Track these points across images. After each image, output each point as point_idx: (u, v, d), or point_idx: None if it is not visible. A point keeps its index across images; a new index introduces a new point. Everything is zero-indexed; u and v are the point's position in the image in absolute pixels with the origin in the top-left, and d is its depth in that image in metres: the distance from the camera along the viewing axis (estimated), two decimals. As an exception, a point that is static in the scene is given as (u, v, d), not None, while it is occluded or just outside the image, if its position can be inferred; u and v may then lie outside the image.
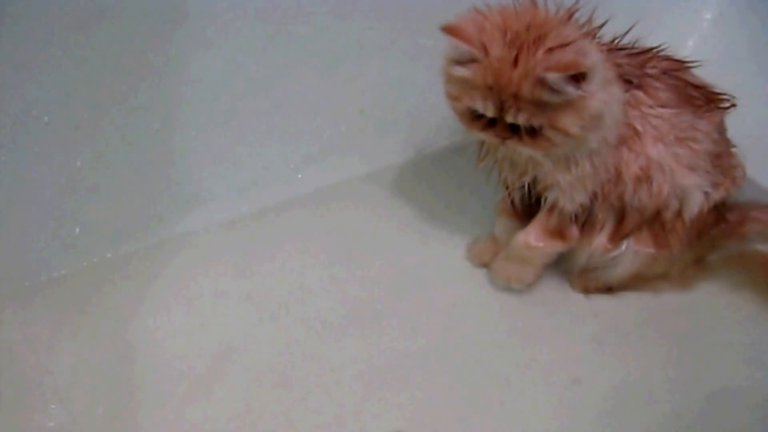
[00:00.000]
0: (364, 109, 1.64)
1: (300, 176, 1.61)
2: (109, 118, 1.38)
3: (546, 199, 1.22)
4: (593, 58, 1.00)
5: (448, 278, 1.43)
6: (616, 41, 1.18)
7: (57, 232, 1.41)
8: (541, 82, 0.98)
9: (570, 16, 1.07)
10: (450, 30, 1.03)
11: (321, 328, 1.33)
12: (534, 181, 1.20)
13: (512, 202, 1.33)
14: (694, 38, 1.84)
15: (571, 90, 0.98)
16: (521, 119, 1.02)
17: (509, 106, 1.01)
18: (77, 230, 1.42)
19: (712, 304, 1.37)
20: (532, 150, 1.08)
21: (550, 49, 0.99)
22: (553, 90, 0.98)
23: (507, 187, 1.28)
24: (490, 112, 1.05)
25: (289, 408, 1.20)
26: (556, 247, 1.29)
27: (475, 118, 1.09)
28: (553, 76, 0.96)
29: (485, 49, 1.01)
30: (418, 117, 1.68)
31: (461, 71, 1.05)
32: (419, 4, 1.56)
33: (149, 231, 1.48)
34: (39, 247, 1.39)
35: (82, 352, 1.27)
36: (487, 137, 1.10)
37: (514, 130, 1.05)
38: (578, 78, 0.98)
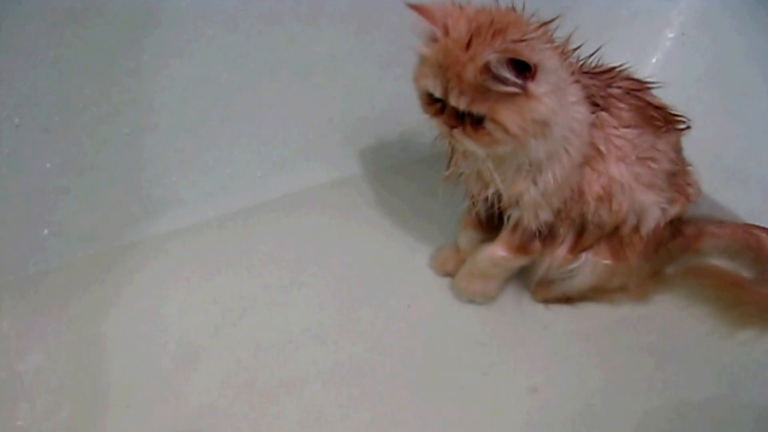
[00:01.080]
0: (332, 118, 1.66)
1: (268, 182, 1.63)
2: (80, 122, 1.39)
3: (510, 216, 1.24)
4: (546, 60, 1.01)
5: (411, 286, 1.45)
6: (582, 62, 1.20)
7: (26, 232, 1.41)
8: (486, 67, 0.98)
9: (540, 26, 1.07)
10: (417, 8, 1.05)
11: (285, 333, 1.34)
12: (498, 196, 1.21)
13: (477, 215, 1.34)
14: (657, 56, 1.87)
15: (512, 78, 0.98)
16: (462, 103, 1.03)
17: (453, 86, 1.02)
18: (46, 231, 1.43)
19: (668, 316, 1.39)
20: (474, 144, 1.08)
21: (505, 41, 0.99)
22: (495, 77, 0.98)
23: (472, 200, 1.29)
24: (437, 92, 1.06)
25: (254, 410, 1.21)
26: (520, 261, 1.31)
27: (430, 102, 1.10)
28: (495, 58, 0.96)
29: (446, 30, 1.03)
30: (386, 127, 1.69)
31: (422, 49, 1.07)
32: (390, 15, 1.57)
33: (118, 234, 1.49)
34: (7, 248, 1.39)
35: (50, 352, 1.28)
36: (438, 124, 1.11)
37: (461, 119, 1.06)
38: (525, 73, 0.98)
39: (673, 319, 1.39)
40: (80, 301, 1.37)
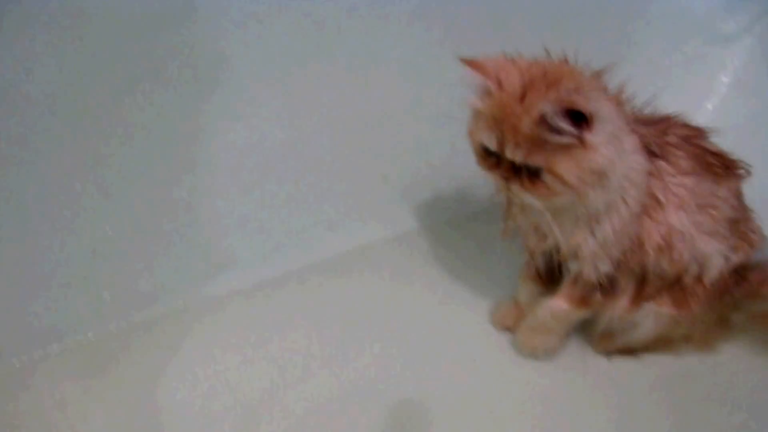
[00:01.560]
0: (387, 175, 1.67)
1: (323, 241, 1.64)
2: (140, 186, 1.42)
3: (569, 269, 1.23)
4: (601, 109, 1.00)
5: (470, 342, 1.43)
6: (637, 111, 1.19)
7: (87, 296, 1.43)
8: (541, 118, 0.97)
9: (594, 76, 1.07)
10: (470, 63, 1.05)
11: (344, 394, 1.33)
12: (556, 249, 1.21)
13: (536, 268, 1.34)
14: (714, 101, 1.85)
15: (568, 129, 0.97)
16: (519, 155, 1.02)
17: (508, 139, 1.02)
18: (106, 294, 1.45)
19: (736, 365, 1.36)
20: (531, 196, 1.06)
21: (559, 92, 0.99)
22: (551, 128, 0.98)
23: (530, 253, 1.28)
24: (492, 146, 1.05)
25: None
26: (581, 314, 1.29)
27: (485, 155, 1.09)
28: (551, 109, 0.96)
29: (500, 84, 1.03)
30: (440, 182, 1.69)
31: (476, 103, 1.06)
32: (443, 69, 1.58)
33: (177, 296, 1.51)
34: (69, 311, 1.42)
35: (112, 414, 1.29)
36: (494, 177, 1.10)
37: (517, 172, 1.06)
38: (581, 123, 0.98)
39: (740, 367, 1.36)
40: (140, 363, 1.38)
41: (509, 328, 1.43)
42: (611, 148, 1.02)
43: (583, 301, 1.26)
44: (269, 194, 1.57)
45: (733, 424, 1.28)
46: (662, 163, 1.15)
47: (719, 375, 1.36)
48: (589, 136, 0.99)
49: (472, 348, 1.43)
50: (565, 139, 0.99)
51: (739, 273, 1.30)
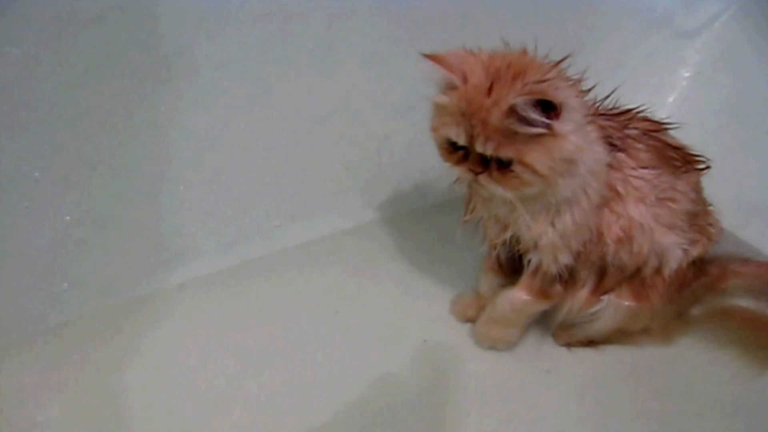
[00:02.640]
0: (349, 166, 1.66)
1: (286, 231, 1.63)
2: (99, 174, 1.40)
3: (530, 261, 1.23)
4: (569, 98, 1.01)
5: (431, 333, 1.43)
6: (598, 104, 1.20)
7: (45, 285, 1.42)
8: (511, 110, 0.98)
9: (556, 65, 1.07)
10: (433, 57, 1.05)
11: (306, 381, 1.33)
12: (516, 240, 1.21)
13: (497, 259, 1.34)
14: (674, 95, 1.87)
15: (539, 119, 0.98)
16: (489, 148, 1.02)
17: (478, 133, 1.02)
18: (65, 284, 1.43)
19: (693, 358, 1.37)
20: (502, 188, 1.07)
21: (526, 83, 0.99)
22: (521, 119, 0.98)
23: (491, 244, 1.28)
24: (461, 140, 1.05)
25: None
26: (541, 306, 1.30)
27: (451, 150, 1.09)
28: (521, 100, 0.96)
29: (464, 77, 1.03)
30: (403, 173, 1.69)
31: (441, 98, 1.06)
32: (406, 62, 1.58)
33: (137, 284, 1.50)
34: (28, 300, 1.40)
35: (70, 404, 1.27)
36: (462, 172, 1.10)
37: (486, 164, 1.06)
38: (549, 113, 0.98)
39: (697, 360, 1.37)
40: (99, 352, 1.37)
41: (470, 319, 1.44)
42: (579, 136, 1.03)
43: (543, 292, 1.27)
44: (232, 184, 1.56)
45: (689, 414, 1.29)
46: (622, 156, 1.16)
47: (677, 367, 1.37)
48: (559, 125, 1.00)
49: (432, 339, 1.43)
50: (535, 130, 0.99)
51: (698, 266, 1.31)
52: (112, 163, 1.40)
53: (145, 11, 1.33)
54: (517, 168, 1.03)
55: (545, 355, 1.40)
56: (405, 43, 1.56)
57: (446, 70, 1.04)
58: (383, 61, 1.58)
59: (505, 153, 1.02)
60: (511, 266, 1.33)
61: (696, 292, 1.36)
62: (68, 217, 1.40)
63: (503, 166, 1.04)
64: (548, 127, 0.99)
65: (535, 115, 0.98)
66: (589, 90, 1.16)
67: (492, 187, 1.08)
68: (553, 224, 1.14)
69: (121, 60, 1.34)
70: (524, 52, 1.09)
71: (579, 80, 1.13)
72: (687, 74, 1.89)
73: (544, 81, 1.00)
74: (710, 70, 1.85)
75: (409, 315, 1.48)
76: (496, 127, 1.00)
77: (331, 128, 1.61)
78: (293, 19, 1.47)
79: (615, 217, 1.18)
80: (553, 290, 1.26)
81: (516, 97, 0.97)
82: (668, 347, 1.40)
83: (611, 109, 1.21)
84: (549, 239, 1.15)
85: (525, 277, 1.27)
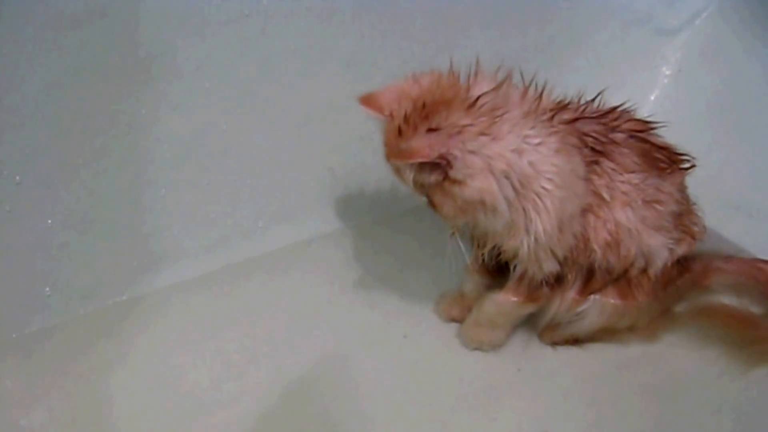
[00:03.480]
0: (332, 167, 1.66)
1: (269, 233, 1.63)
2: (80, 178, 1.39)
3: (515, 267, 1.23)
4: (460, 146, 1.02)
5: (415, 333, 1.44)
6: (583, 107, 1.19)
7: (28, 289, 1.41)
8: (407, 164, 1.04)
9: (475, 101, 1.05)
10: (364, 100, 1.12)
11: (290, 384, 1.32)
12: (498, 251, 1.21)
13: (483, 261, 1.34)
14: (656, 93, 1.88)
15: (427, 175, 1.04)
16: (408, 186, 1.09)
17: (395, 171, 1.10)
18: (48, 288, 1.42)
19: (678, 355, 1.38)
20: (440, 216, 1.12)
21: (429, 130, 1.02)
22: (418, 169, 1.04)
23: (478, 253, 1.29)
24: (392, 173, 1.11)
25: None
26: (528, 308, 1.30)
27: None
28: (400, 164, 1.03)
29: (391, 116, 1.08)
30: (385, 176, 1.68)
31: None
32: (388, 62, 1.58)
33: (120, 289, 1.49)
34: (10, 305, 1.39)
35: (55, 408, 1.26)
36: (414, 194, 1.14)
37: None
38: (440, 165, 1.02)
39: (682, 358, 1.38)
40: (84, 357, 1.36)
41: (455, 319, 1.44)
42: (483, 177, 1.03)
43: (529, 296, 1.27)
44: (214, 186, 1.55)
45: (674, 411, 1.29)
46: (607, 162, 1.16)
47: (662, 364, 1.38)
48: (452, 173, 1.02)
49: (418, 339, 1.43)
50: (432, 178, 1.04)
51: (682, 264, 1.32)
52: (93, 166, 1.39)
53: (126, 14, 1.32)
54: (433, 205, 1.09)
55: (531, 354, 1.40)
56: (387, 43, 1.57)
57: (374, 111, 1.10)
58: (365, 61, 1.58)
59: (420, 192, 1.09)
60: (497, 268, 1.33)
61: (680, 289, 1.36)
62: (50, 221, 1.38)
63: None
64: (443, 175, 1.03)
65: (422, 173, 1.03)
66: (561, 102, 1.16)
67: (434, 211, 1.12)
68: (526, 236, 1.13)
69: (101, 62, 1.33)
70: (456, 78, 1.11)
71: (536, 95, 1.13)
72: (668, 72, 1.89)
73: (437, 129, 1.03)
74: (692, 68, 1.86)
75: (392, 316, 1.47)
76: (400, 171, 1.07)
77: (313, 130, 1.60)
78: (274, 19, 1.46)
79: (601, 222, 1.18)
80: (540, 293, 1.26)
81: (396, 162, 1.04)
82: (653, 345, 1.40)
83: (597, 111, 1.21)
84: (526, 250, 1.15)
85: (512, 282, 1.27)
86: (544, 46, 1.70)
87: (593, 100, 1.21)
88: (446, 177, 1.03)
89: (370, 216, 1.73)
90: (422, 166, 1.03)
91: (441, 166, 1.01)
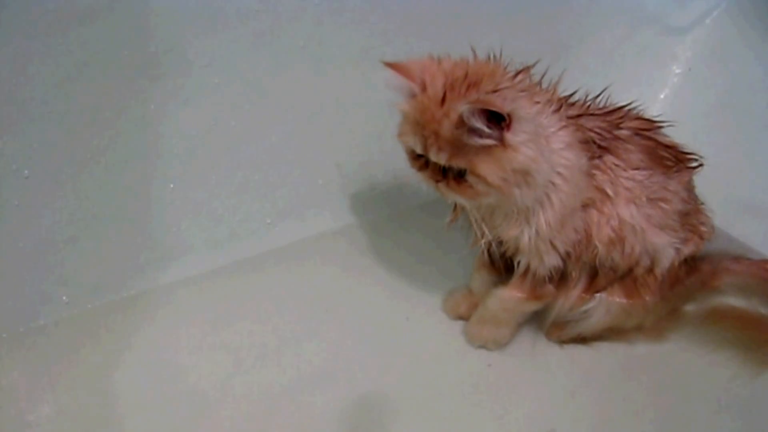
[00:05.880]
0: (340, 163, 1.66)
1: (277, 229, 1.63)
2: (89, 172, 1.39)
3: (519, 262, 1.23)
4: (520, 109, 1.00)
5: (422, 330, 1.44)
6: (588, 104, 1.20)
7: (36, 283, 1.41)
8: (460, 121, 0.98)
9: (518, 74, 1.07)
10: (394, 66, 1.06)
11: (297, 379, 1.33)
12: (499, 242, 1.21)
13: (490, 257, 1.33)
14: (666, 92, 1.87)
15: (487, 130, 0.98)
16: (442, 158, 1.03)
17: (431, 143, 1.02)
18: (56, 282, 1.43)
19: (685, 356, 1.37)
20: (459, 197, 1.08)
21: (478, 93, 0.99)
22: (471, 130, 0.98)
23: (479, 244, 1.28)
24: (418, 149, 1.06)
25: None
26: (532, 306, 1.30)
27: (415, 157, 1.11)
28: (467, 110, 0.96)
29: (423, 86, 1.04)
30: (394, 172, 1.69)
31: (402, 106, 1.07)
32: (396, 60, 1.58)
33: (128, 283, 1.49)
34: (18, 299, 1.39)
35: (61, 402, 1.27)
36: (424, 179, 1.11)
37: (444, 173, 1.07)
38: (501, 125, 0.98)
39: (690, 358, 1.37)
40: (91, 351, 1.36)
41: (462, 317, 1.44)
42: (533, 146, 1.02)
43: (533, 292, 1.27)
44: (222, 182, 1.55)
45: (681, 411, 1.29)
46: (611, 157, 1.16)
47: (670, 364, 1.37)
48: (509, 136, 1.00)
49: (425, 336, 1.43)
50: (485, 141, 1.00)
51: (690, 264, 1.31)
52: (102, 161, 1.39)
53: (136, 9, 1.32)
54: (470, 178, 1.04)
55: (538, 352, 1.40)
56: (397, 40, 1.56)
57: (406, 78, 1.05)
58: (374, 58, 1.56)
59: (458, 163, 1.03)
60: (504, 264, 1.32)
61: (689, 290, 1.36)
62: (58, 216, 1.39)
63: (459, 175, 1.05)
64: (499, 138, 0.99)
65: (483, 126, 0.98)
66: (571, 94, 1.17)
67: (450, 195, 1.09)
68: (527, 227, 1.13)
69: (111, 58, 1.33)
70: (489, 59, 1.10)
71: (552, 87, 1.14)
72: (678, 71, 1.89)
73: (497, 91, 1.00)
74: (702, 67, 1.86)
75: (400, 312, 1.47)
76: (447, 137, 1.01)
77: (321, 126, 1.60)
78: (283, 16, 1.46)
79: (605, 218, 1.17)
80: (545, 290, 1.26)
81: (463, 106, 0.96)
82: (661, 345, 1.39)
83: (602, 108, 1.20)
84: (526, 241, 1.15)
85: (516, 278, 1.27)
86: (555, 43, 1.70)
87: (598, 96, 1.21)
88: (501, 141, 1.00)
89: (379, 212, 1.72)
90: (475, 130, 0.98)
91: (501, 126, 0.98)
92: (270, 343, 1.40)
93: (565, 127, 1.10)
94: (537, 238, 1.14)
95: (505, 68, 1.08)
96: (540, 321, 1.40)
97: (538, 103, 1.07)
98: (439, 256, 1.57)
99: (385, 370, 1.35)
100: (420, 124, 1.03)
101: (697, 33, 1.88)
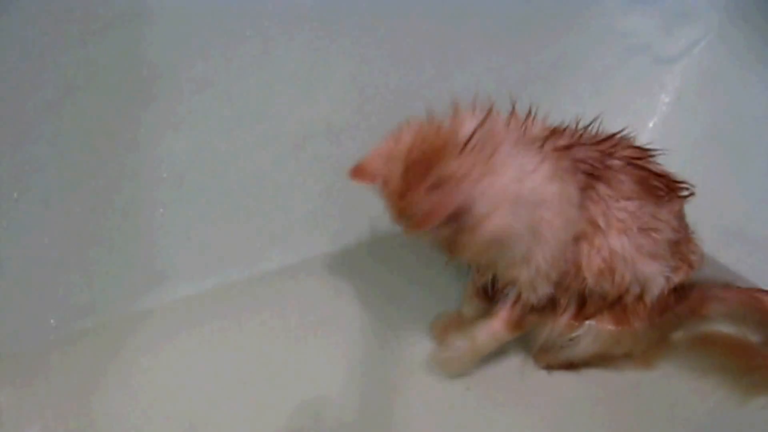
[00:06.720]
0: (330, 188, 1.66)
1: (267, 253, 1.63)
2: (78, 195, 1.39)
3: (509, 293, 1.23)
4: (469, 194, 1.02)
5: (411, 356, 1.43)
6: (579, 133, 1.19)
7: (24, 306, 1.40)
8: None
9: (465, 144, 1.06)
10: (354, 174, 1.15)
11: (286, 405, 1.32)
12: (494, 280, 1.22)
13: (481, 285, 1.33)
14: (654, 120, 1.89)
15: (438, 232, 1.05)
16: (423, 236, 1.09)
17: (410, 227, 1.07)
18: (44, 304, 1.42)
19: (673, 383, 1.37)
20: (456, 258, 1.14)
21: (430, 187, 1.03)
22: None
23: (476, 280, 1.29)
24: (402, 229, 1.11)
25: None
26: (516, 335, 1.30)
27: None
28: (415, 234, 1.04)
29: (386, 182, 1.10)
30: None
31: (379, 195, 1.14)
32: (389, 88, 1.59)
33: (117, 306, 1.48)
34: (5, 321, 1.38)
35: (49, 425, 1.26)
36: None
37: None
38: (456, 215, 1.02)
39: (678, 386, 1.37)
40: (79, 374, 1.35)
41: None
42: (500, 214, 1.04)
43: (520, 322, 1.27)
44: (212, 206, 1.55)
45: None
46: (603, 187, 1.16)
47: (658, 392, 1.37)
48: (467, 221, 1.04)
49: (413, 361, 1.42)
50: (448, 231, 1.05)
51: (679, 291, 1.31)
52: (91, 184, 1.39)
53: (128, 32, 1.33)
54: (453, 249, 1.10)
55: (525, 379, 1.40)
56: (388, 66, 1.57)
57: (366, 181, 1.13)
58: (366, 84, 1.59)
59: (439, 245, 1.11)
60: (494, 292, 1.32)
61: (678, 317, 1.35)
62: (47, 238, 1.38)
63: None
64: (456, 224, 1.04)
65: (437, 230, 1.04)
66: (555, 129, 1.17)
67: (447, 255, 1.15)
68: (526, 267, 1.14)
69: (103, 81, 1.34)
70: (438, 123, 1.12)
71: (527, 120, 1.15)
72: (667, 99, 1.90)
73: (444, 182, 1.03)
74: (691, 96, 1.87)
75: (390, 337, 1.47)
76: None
77: (312, 151, 1.60)
78: (275, 41, 1.47)
79: (595, 250, 1.17)
80: (529, 320, 1.27)
81: (416, 231, 1.04)
82: (649, 372, 1.39)
83: (594, 136, 1.21)
84: (526, 279, 1.16)
85: (504, 309, 1.27)
86: (543, 71, 1.70)
87: (589, 125, 1.22)
88: (460, 226, 1.04)
89: (371, 236, 1.72)
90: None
91: (453, 216, 1.02)
92: (259, 367, 1.39)
93: (546, 159, 1.09)
94: (536, 275, 1.15)
95: (454, 133, 1.09)
96: (527, 347, 1.40)
97: (508, 144, 1.08)
98: (434, 278, 1.57)
99: (374, 395, 1.35)
100: (394, 211, 1.10)
101: (686, 62, 1.89)
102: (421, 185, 1.04)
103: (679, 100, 1.89)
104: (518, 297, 1.22)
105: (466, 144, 1.06)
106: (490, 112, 1.10)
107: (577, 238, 1.16)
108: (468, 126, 1.08)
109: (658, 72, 1.91)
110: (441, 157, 1.05)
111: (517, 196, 1.05)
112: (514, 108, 1.15)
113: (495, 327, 1.28)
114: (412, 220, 1.05)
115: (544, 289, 1.19)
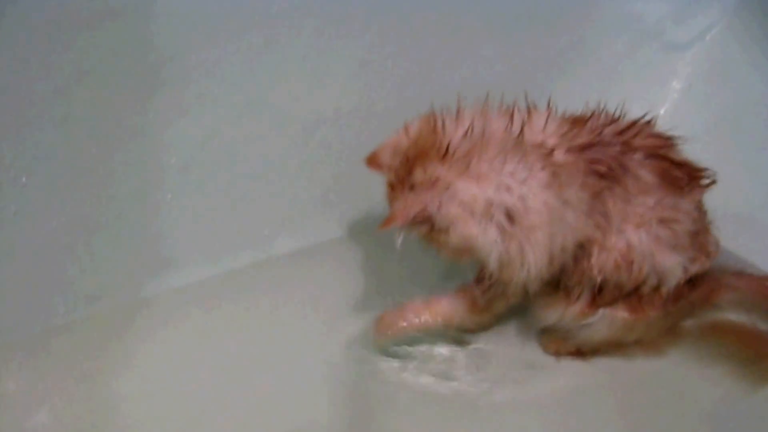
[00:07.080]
0: (338, 174, 1.66)
1: (275, 240, 1.62)
2: (87, 181, 1.39)
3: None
4: (437, 199, 1.07)
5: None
6: (599, 128, 1.17)
7: (32, 292, 1.40)
8: None
9: (447, 149, 1.08)
10: (369, 162, 1.22)
11: (293, 392, 1.32)
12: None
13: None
14: (666, 107, 1.87)
15: (413, 230, 1.13)
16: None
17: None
18: (53, 290, 1.42)
19: (682, 371, 1.37)
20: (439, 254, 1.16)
21: (408, 188, 1.11)
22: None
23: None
24: None
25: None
26: (473, 318, 1.35)
27: None
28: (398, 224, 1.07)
29: (389, 174, 1.17)
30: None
31: None
32: (398, 73, 1.58)
33: (125, 292, 1.48)
34: (14, 307, 1.39)
35: (57, 410, 1.27)
36: None
37: None
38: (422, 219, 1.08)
39: (688, 374, 1.37)
40: (87, 359, 1.36)
41: None
42: (468, 222, 1.08)
43: (486, 308, 1.32)
44: (220, 192, 1.55)
45: (678, 428, 1.29)
46: (619, 189, 1.14)
47: (668, 380, 1.37)
48: (436, 224, 1.09)
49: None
50: (422, 231, 1.13)
51: (692, 279, 1.29)
52: (100, 169, 1.39)
53: (137, 18, 1.33)
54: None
55: (534, 367, 1.39)
56: (397, 52, 1.56)
57: (378, 170, 1.19)
58: (375, 69, 1.58)
59: (420, 236, 1.14)
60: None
61: (691, 305, 1.34)
62: (55, 223, 1.38)
63: None
64: (429, 225, 1.10)
65: (410, 228, 1.13)
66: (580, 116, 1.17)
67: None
68: (521, 269, 1.13)
69: (111, 66, 1.34)
70: (435, 124, 1.13)
71: (524, 118, 1.14)
72: (678, 86, 1.88)
73: (419, 186, 1.09)
74: (702, 83, 1.85)
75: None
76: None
77: (320, 137, 1.60)
78: (283, 26, 1.47)
79: (606, 252, 1.17)
80: (497, 306, 1.31)
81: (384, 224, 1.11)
82: (659, 360, 1.38)
83: (616, 125, 1.19)
84: (521, 281, 1.16)
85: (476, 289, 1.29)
86: (554, 58, 1.69)
87: (614, 121, 1.20)
88: (432, 228, 1.08)
89: (375, 223, 1.71)
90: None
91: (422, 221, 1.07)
92: (266, 352, 1.39)
93: (547, 166, 1.09)
94: (528, 277, 1.15)
95: (443, 136, 1.11)
96: (532, 334, 1.41)
97: (498, 151, 1.08)
98: (441, 263, 1.56)
99: (383, 383, 1.36)
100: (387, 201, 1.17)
101: (698, 49, 1.87)
102: (405, 185, 1.10)
103: (690, 87, 1.87)
104: (489, 278, 1.21)
105: (447, 150, 1.08)
106: (483, 116, 1.12)
107: (584, 243, 1.16)
108: (461, 129, 1.10)
109: (669, 60, 1.90)
110: (424, 160, 1.09)
111: (490, 206, 1.07)
112: (514, 109, 1.15)
113: (458, 303, 1.32)
114: (383, 225, 1.11)
115: (535, 288, 1.20)
